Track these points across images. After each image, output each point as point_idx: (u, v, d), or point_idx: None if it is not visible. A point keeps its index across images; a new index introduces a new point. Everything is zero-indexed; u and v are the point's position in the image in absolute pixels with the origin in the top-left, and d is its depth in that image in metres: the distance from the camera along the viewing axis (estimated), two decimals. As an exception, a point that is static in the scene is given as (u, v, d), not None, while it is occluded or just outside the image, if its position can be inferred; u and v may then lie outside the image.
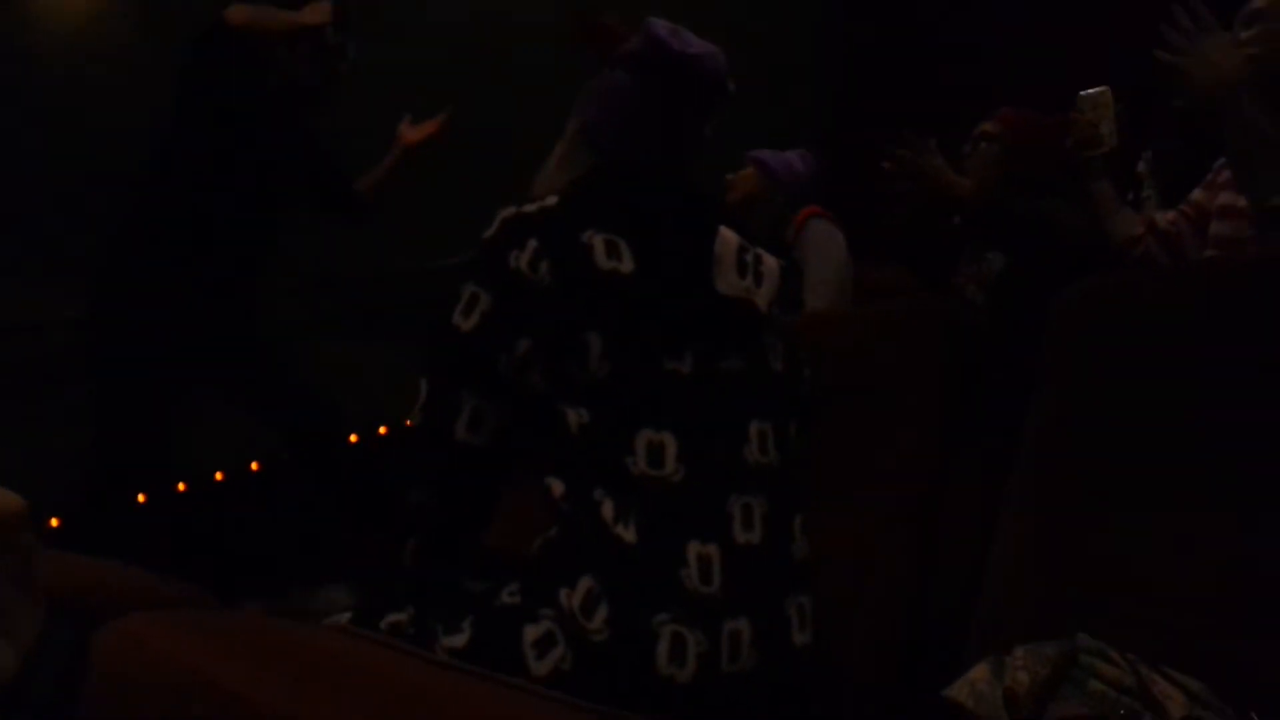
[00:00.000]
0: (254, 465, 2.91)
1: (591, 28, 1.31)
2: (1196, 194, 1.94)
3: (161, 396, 2.30)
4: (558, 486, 1.06)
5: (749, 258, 1.22)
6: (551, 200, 1.16)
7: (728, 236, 1.21)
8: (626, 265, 1.11)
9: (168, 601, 0.91)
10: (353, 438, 3.08)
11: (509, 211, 1.15)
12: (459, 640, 0.98)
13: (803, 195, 2.82)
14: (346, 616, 1.06)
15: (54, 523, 2.36)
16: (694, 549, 1.03)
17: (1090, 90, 2.03)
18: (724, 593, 1.04)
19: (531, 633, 0.98)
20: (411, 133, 2.69)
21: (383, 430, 3.30)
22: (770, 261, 1.26)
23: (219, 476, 2.86)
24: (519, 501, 1.14)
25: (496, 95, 3.96)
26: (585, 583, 1.00)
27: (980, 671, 0.95)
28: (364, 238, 3.32)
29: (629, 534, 1.02)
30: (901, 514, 1.47)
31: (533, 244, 1.10)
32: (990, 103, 2.69)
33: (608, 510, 1.03)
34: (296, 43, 2.37)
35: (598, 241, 1.11)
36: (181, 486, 2.81)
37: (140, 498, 2.56)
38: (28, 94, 2.98)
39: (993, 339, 2.19)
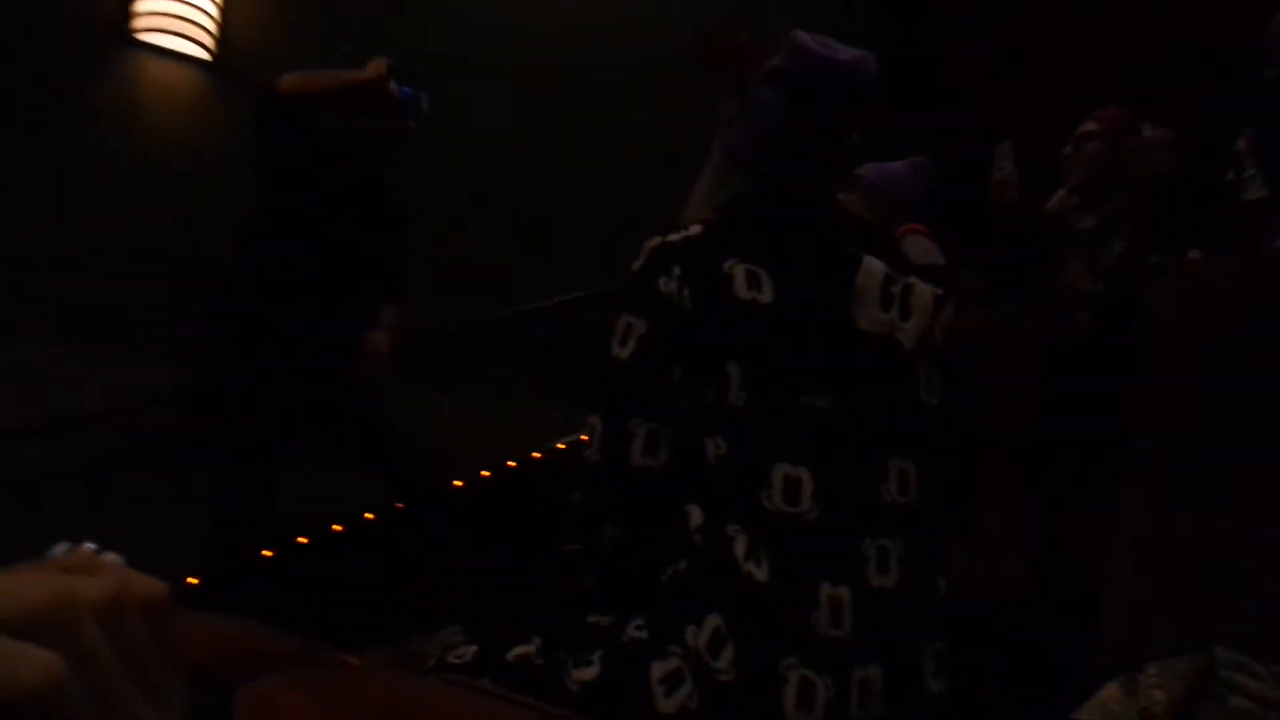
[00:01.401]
0: (368, 515, 3.01)
1: (726, 48, 1.28)
2: None
3: (273, 457, 2.38)
4: (695, 516, 1.06)
5: (896, 289, 1.18)
6: (695, 229, 1.17)
7: (872, 269, 1.18)
8: (766, 295, 1.10)
9: (297, 659, 0.95)
10: (458, 483, 3.16)
11: (655, 241, 1.16)
12: (589, 673, 0.99)
13: (906, 210, 2.66)
14: (472, 651, 1.06)
15: (192, 581, 2.48)
16: (826, 591, 1.02)
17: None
18: (855, 637, 1.01)
19: (659, 669, 0.98)
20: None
21: (485, 474, 3.38)
22: (923, 291, 1.20)
23: (337, 528, 2.97)
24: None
25: (565, 143, 4.05)
26: (713, 621, 0.99)
27: (1111, 692, 0.91)
28: (442, 288, 3.42)
29: (760, 572, 1.01)
30: (1005, 530, 1.42)
31: (677, 270, 1.12)
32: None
33: (740, 546, 1.02)
34: (360, 103, 2.38)
35: (739, 271, 1.11)
36: (303, 540, 2.92)
37: (266, 553, 2.68)
38: (142, 188, 3.20)
39: (1106, 328, 2.12)
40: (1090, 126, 2.56)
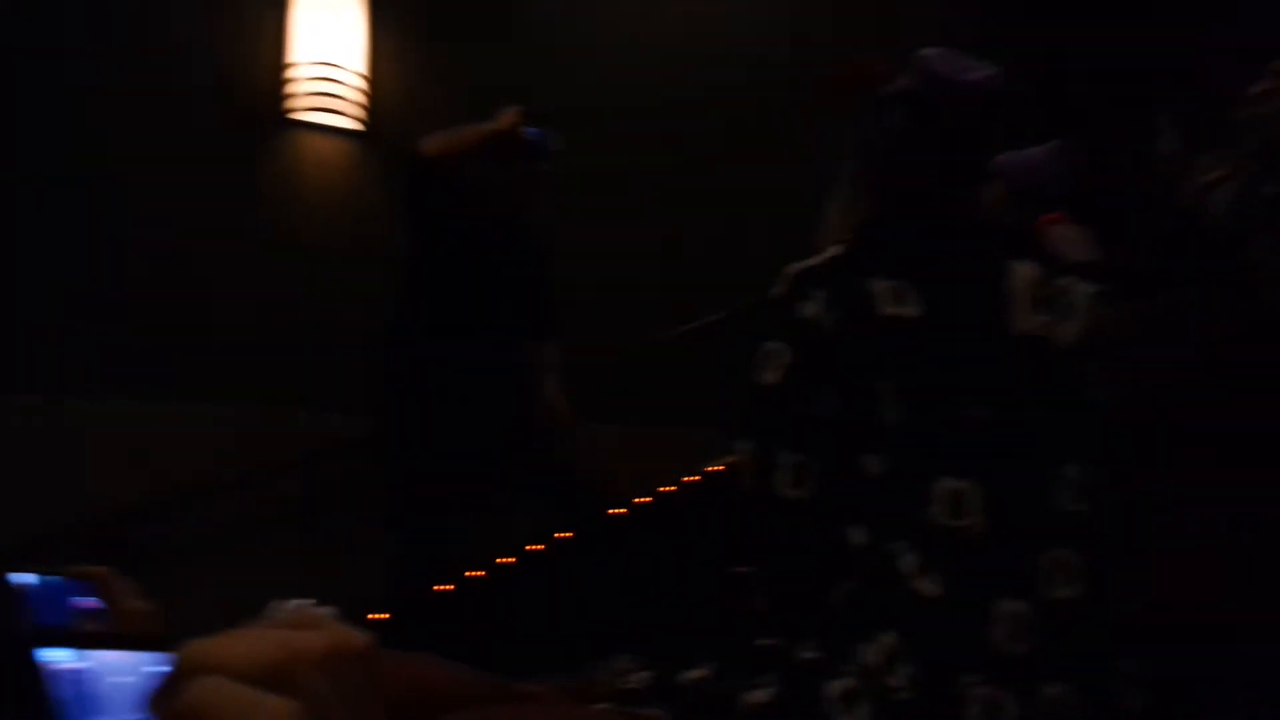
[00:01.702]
0: (537, 546, 3.10)
1: (854, 69, 1.27)
2: None
3: (448, 494, 2.51)
4: (857, 535, 1.05)
5: (1048, 290, 1.14)
6: (835, 251, 1.17)
7: (1023, 271, 1.14)
8: (913, 310, 1.09)
9: (485, 693, 1.00)
10: (619, 510, 3.22)
11: (795, 267, 1.17)
12: (763, 695, 0.99)
13: (1049, 198, 2.48)
14: (644, 677, 1.09)
15: (380, 617, 2.64)
16: (1003, 605, 0.99)
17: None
18: (1038, 653, 0.98)
19: (835, 688, 0.97)
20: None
21: (643, 500, 3.42)
22: (1078, 289, 1.16)
23: (509, 560, 3.08)
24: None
25: (700, 172, 4.09)
26: (887, 639, 0.98)
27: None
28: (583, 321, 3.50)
29: (931, 588, 1.00)
30: (1202, 539, 1.32)
31: (820, 295, 1.11)
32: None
33: (908, 562, 1.01)
34: (497, 151, 2.47)
35: (882, 288, 1.10)
36: (477, 574, 3.05)
37: (443, 589, 2.81)
38: (306, 255, 3.46)
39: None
40: (1266, 84, 2.33)
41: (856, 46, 1.33)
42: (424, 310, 2.53)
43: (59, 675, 0.49)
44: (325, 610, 0.34)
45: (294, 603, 0.35)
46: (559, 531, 2.89)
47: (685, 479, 3.59)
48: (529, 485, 2.61)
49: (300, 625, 0.32)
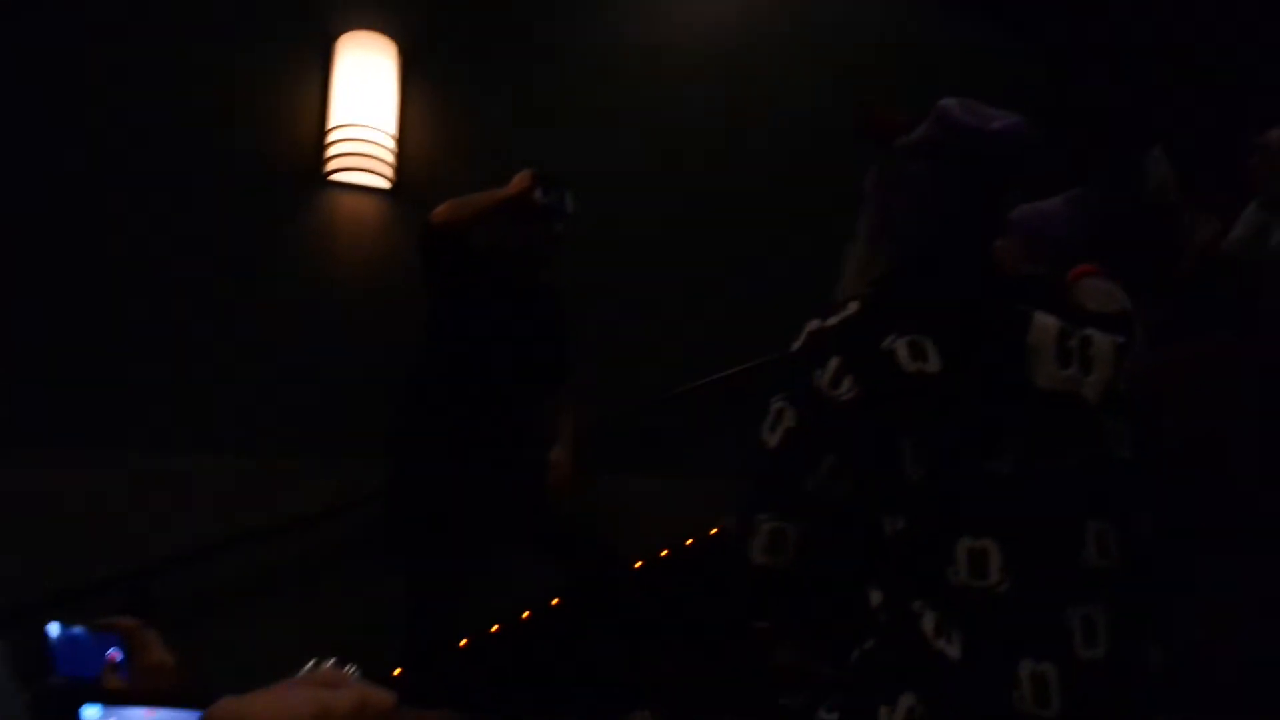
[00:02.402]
0: (555, 601, 3.09)
1: (872, 118, 1.26)
2: None
3: (460, 551, 2.50)
4: (875, 596, 1.04)
5: (1073, 343, 1.12)
6: (853, 308, 1.15)
7: (1044, 324, 1.12)
8: (933, 365, 1.08)
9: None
10: (637, 564, 3.21)
11: (814, 325, 1.16)
12: None
13: (1072, 251, 2.39)
14: None
15: (396, 673, 2.63)
16: (1027, 667, 0.97)
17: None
18: (1065, 716, 0.96)
19: None
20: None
21: (664, 553, 3.41)
22: (1103, 342, 1.14)
23: (526, 615, 3.07)
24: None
25: (726, 219, 4.14)
26: (906, 700, 0.97)
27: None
28: (609, 372, 3.52)
29: (952, 649, 0.98)
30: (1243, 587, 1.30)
31: (834, 362, 1.10)
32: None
33: (928, 623, 1.00)
34: (511, 215, 2.52)
35: (900, 346, 1.09)
36: (495, 628, 3.04)
37: (461, 643, 2.80)
38: (340, 310, 3.53)
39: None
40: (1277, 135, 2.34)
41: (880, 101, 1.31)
42: (440, 369, 2.56)
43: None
44: (349, 669, 0.36)
45: (326, 663, 0.36)
46: (568, 587, 2.88)
47: (712, 531, 3.58)
48: (536, 542, 2.61)
49: (327, 683, 0.34)
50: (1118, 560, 1.05)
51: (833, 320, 1.15)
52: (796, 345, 1.17)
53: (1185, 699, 1.06)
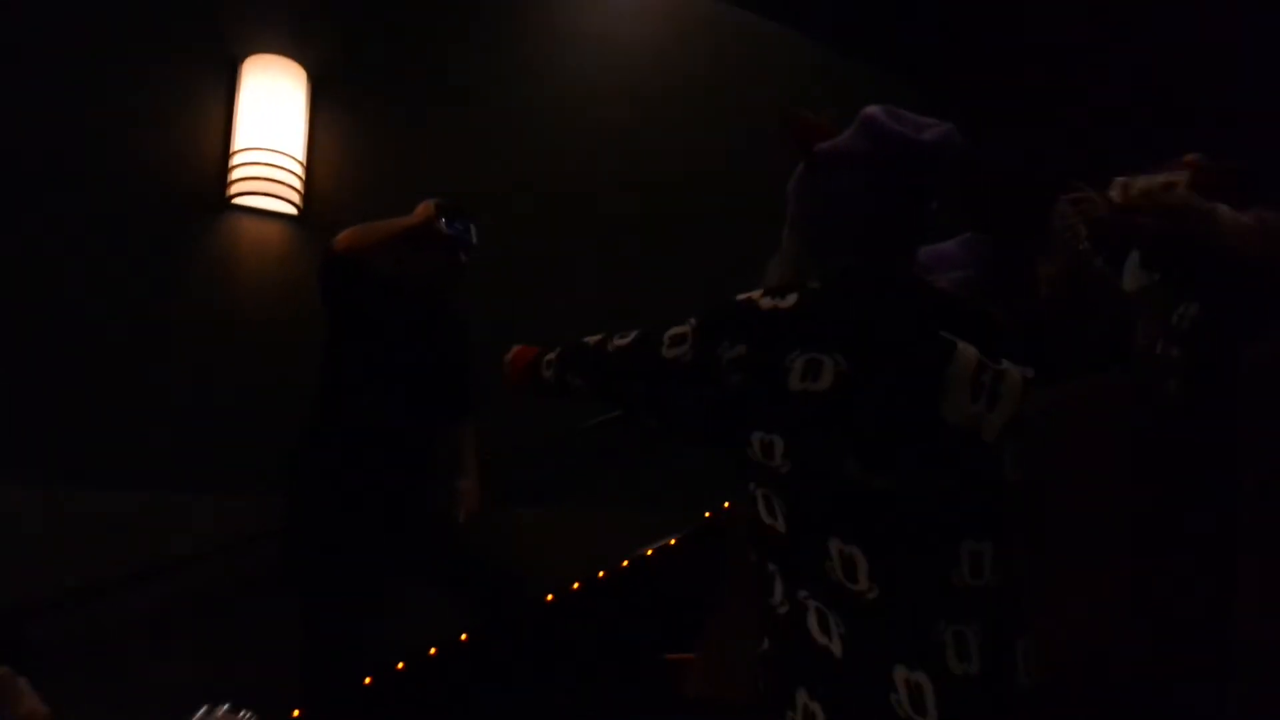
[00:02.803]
0: (463, 637, 3.04)
1: (794, 126, 1.20)
2: None
3: (360, 586, 2.43)
4: (778, 591, 1.08)
5: (987, 377, 1.11)
6: (788, 302, 1.12)
7: (966, 356, 1.11)
8: (822, 384, 1.06)
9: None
10: (549, 597, 3.18)
11: (743, 298, 1.15)
12: None
13: (966, 293, 2.47)
14: None
15: (295, 714, 2.53)
16: (901, 674, 1.00)
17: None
18: None
19: None
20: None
21: (576, 586, 3.38)
22: (1013, 377, 1.14)
23: (433, 651, 3.00)
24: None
25: (636, 249, 4.19)
26: (801, 697, 1.01)
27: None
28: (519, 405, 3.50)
29: (834, 646, 1.02)
30: (1112, 597, 1.37)
31: (741, 349, 1.11)
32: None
33: (813, 618, 1.03)
34: (414, 244, 2.51)
35: (797, 365, 1.07)
36: (400, 665, 2.96)
37: (366, 680, 2.72)
38: (239, 338, 3.42)
39: (1193, 399, 2.05)
40: (1172, 176, 2.39)
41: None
42: (340, 400, 2.51)
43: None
44: (244, 715, 0.35)
45: (220, 709, 0.36)
46: (472, 620, 2.84)
47: (622, 563, 3.57)
48: (439, 574, 2.57)
49: (219, 731, 0.33)
50: (991, 580, 1.07)
51: (764, 305, 1.13)
52: (726, 305, 1.16)
53: (1088, 705, 1.10)
